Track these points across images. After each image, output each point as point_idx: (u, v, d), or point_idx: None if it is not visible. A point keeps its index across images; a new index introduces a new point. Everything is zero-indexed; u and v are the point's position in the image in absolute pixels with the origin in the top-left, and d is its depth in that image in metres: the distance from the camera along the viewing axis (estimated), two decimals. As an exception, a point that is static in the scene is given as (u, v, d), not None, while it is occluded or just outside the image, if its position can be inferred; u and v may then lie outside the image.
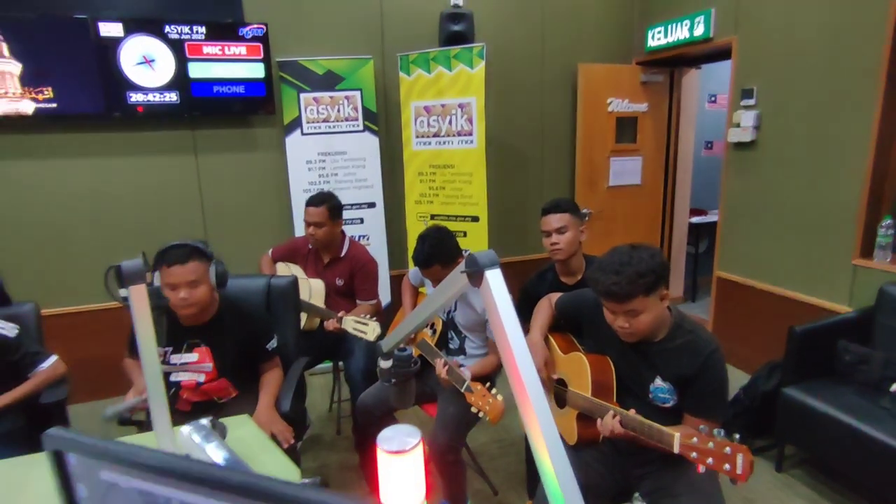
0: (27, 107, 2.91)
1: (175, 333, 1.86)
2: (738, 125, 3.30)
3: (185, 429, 0.77)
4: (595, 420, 1.54)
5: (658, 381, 1.52)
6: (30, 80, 2.89)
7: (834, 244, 2.83)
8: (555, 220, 2.01)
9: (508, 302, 0.73)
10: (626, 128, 4.13)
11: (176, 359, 1.87)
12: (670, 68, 4.15)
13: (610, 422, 1.44)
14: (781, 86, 3.05)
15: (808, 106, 2.91)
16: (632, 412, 1.43)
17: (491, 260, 0.73)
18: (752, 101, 3.21)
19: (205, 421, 0.80)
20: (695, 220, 4.68)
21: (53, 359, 1.94)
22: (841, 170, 2.77)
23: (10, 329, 1.88)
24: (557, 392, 1.74)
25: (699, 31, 3.54)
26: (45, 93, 2.91)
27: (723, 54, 3.61)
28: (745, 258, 3.39)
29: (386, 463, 0.83)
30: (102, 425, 1.87)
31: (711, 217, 4.59)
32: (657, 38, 3.90)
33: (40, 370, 1.89)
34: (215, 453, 0.69)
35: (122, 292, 1.23)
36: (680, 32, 3.70)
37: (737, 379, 3.11)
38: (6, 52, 2.82)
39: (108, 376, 2.44)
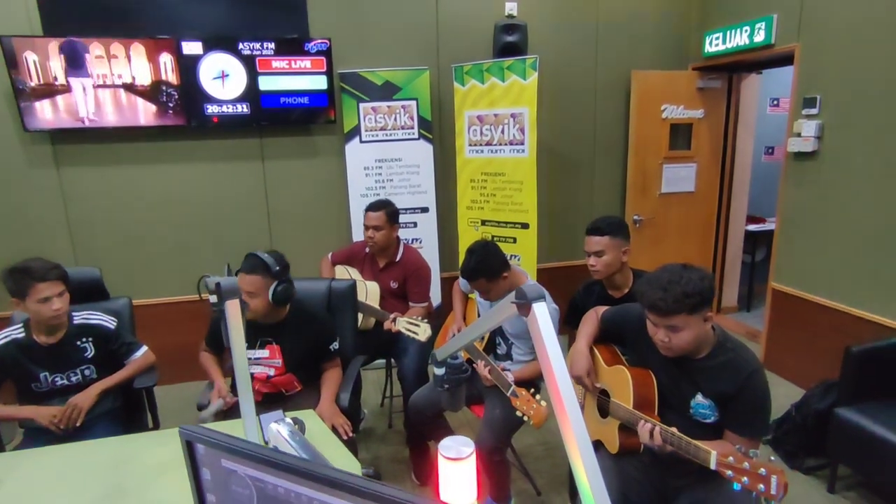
0: (120, 120, 3.24)
1: (250, 330, 2.07)
2: (798, 134, 3.21)
3: (274, 425, 0.92)
4: (636, 431, 1.60)
5: (699, 398, 1.58)
6: (123, 96, 3.20)
7: (898, 261, 2.74)
8: (593, 242, 2.06)
9: (552, 331, 0.83)
10: (680, 134, 4.09)
11: (250, 353, 2.08)
12: (729, 73, 4.06)
13: (646, 429, 1.51)
14: (848, 96, 2.95)
15: (876, 118, 2.81)
16: (674, 429, 1.49)
17: (538, 293, 0.83)
18: (814, 111, 3.12)
19: (290, 419, 0.94)
20: (752, 227, 4.56)
21: (144, 349, 2.19)
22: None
23: (109, 321, 2.14)
24: (600, 402, 1.82)
25: (760, 37, 3.46)
26: (135, 106, 3.23)
27: (785, 60, 3.51)
28: (802, 270, 3.30)
29: (445, 467, 0.96)
30: (192, 413, 2.11)
31: (770, 225, 4.46)
32: (715, 45, 3.84)
33: (134, 358, 2.14)
34: (301, 450, 0.84)
35: (212, 298, 1.41)
36: (739, 38, 3.62)
37: (790, 394, 3.06)
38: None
39: (186, 361, 2.72)
